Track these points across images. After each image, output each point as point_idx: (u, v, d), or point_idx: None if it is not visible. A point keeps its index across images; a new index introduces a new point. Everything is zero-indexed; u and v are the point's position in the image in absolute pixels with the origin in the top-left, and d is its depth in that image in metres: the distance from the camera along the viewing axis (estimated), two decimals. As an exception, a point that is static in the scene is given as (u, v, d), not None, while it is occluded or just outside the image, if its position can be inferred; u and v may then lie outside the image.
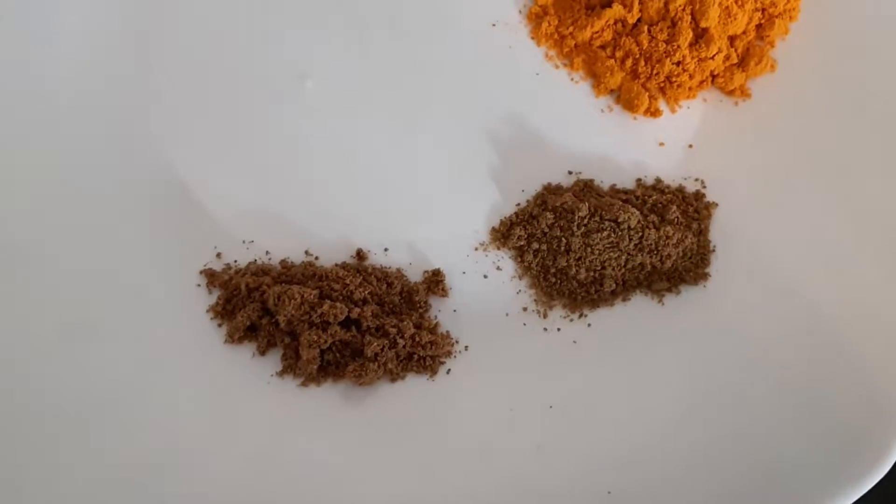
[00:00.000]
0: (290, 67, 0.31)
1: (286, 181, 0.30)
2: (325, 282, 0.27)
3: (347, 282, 0.27)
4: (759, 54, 0.31)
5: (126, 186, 0.29)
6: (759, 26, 0.32)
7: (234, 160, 0.30)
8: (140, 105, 0.30)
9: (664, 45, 0.31)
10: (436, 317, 0.28)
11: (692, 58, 0.31)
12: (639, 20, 0.31)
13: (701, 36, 0.31)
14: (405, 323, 0.27)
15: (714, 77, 0.32)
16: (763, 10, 0.32)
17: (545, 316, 0.29)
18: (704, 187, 0.30)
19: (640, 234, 0.28)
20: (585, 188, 0.30)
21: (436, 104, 0.31)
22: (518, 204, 0.30)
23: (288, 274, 0.28)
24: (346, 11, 0.32)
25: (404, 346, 0.27)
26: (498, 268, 0.29)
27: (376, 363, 0.26)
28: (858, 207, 0.29)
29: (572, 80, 0.32)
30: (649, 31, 0.31)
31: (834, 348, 0.27)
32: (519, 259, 0.29)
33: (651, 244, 0.28)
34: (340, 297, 0.27)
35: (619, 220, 0.28)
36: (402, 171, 0.30)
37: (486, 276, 0.29)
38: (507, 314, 0.28)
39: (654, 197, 0.29)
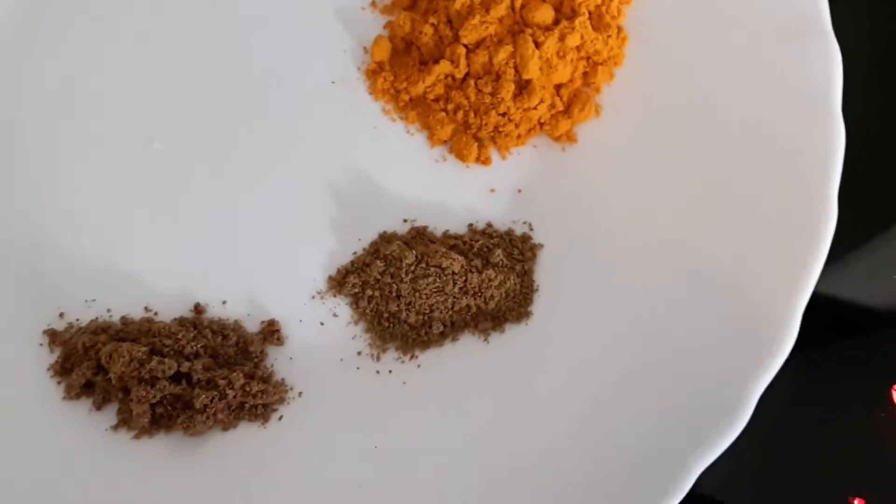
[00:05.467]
0: (136, 128, 0.33)
1: (126, 238, 0.31)
2: (158, 338, 0.28)
3: (179, 337, 0.28)
4: (582, 101, 0.33)
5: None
6: (585, 74, 0.34)
7: (76, 219, 0.31)
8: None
9: (490, 98, 0.33)
10: (272, 365, 0.30)
11: (517, 108, 0.33)
12: (467, 74, 0.33)
13: (524, 87, 0.33)
14: (235, 374, 0.28)
15: (542, 125, 0.34)
16: (588, 58, 0.34)
17: (378, 359, 0.30)
18: (532, 230, 0.32)
19: (464, 278, 0.30)
20: (418, 235, 0.32)
21: (275, 159, 0.33)
22: (355, 252, 0.32)
23: (125, 331, 0.29)
24: (189, 73, 0.34)
25: (235, 397, 0.28)
26: (334, 314, 0.31)
27: (205, 414, 0.27)
28: (679, 248, 0.30)
29: (408, 132, 0.34)
30: (476, 84, 0.33)
31: (656, 377, 0.29)
32: (354, 306, 0.31)
33: (474, 287, 0.30)
34: (171, 353, 0.28)
35: (444, 266, 0.30)
36: (240, 224, 0.31)
37: (322, 324, 0.30)
38: (341, 359, 0.30)
39: (481, 242, 0.31)
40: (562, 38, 0.33)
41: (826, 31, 0.32)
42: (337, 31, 0.35)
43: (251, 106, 0.33)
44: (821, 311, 0.30)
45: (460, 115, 0.33)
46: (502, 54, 0.32)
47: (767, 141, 0.31)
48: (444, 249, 0.30)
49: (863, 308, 0.33)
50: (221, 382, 0.28)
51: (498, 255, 0.31)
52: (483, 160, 0.33)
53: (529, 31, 0.33)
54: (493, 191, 0.33)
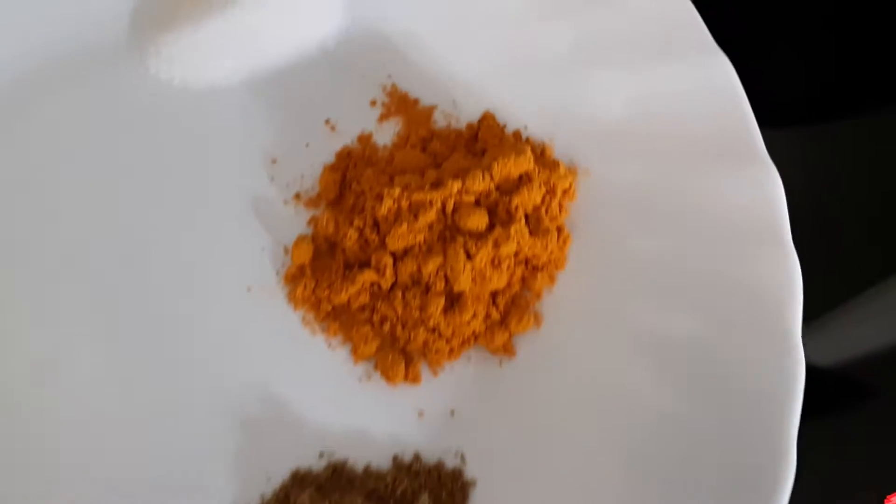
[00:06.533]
0: (14, 354, 0.29)
1: (25, 481, 0.27)
2: None
3: None
4: (520, 311, 0.30)
5: None
6: (523, 278, 0.31)
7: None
8: None
9: (418, 312, 0.30)
10: None
11: (447, 323, 0.30)
12: (395, 283, 0.31)
13: (456, 300, 0.30)
14: None
15: (477, 336, 0.31)
16: (526, 262, 0.31)
17: None
18: (464, 462, 0.29)
19: (383, 534, 0.27)
20: (335, 474, 0.28)
21: (173, 385, 0.29)
22: (262, 495, 0.28)
23: None
24: (77, 283, 0.30)
25: None
26: (236, 577, 0.27)
27: None
28: (629, 484, 0.27)
29: (329, 346, 0.30)
30: (403, 295, 0.30)
31: None
32: (258, 564, 0.27)
33: (394, 546, 0.27)
34: None
35: (358, 523, 0.27)
36: (126, 469, 0.28)
37: (220, 588, 0.27)
38: None
39: (405, 484, 0.28)
40: (496, 247, 0.30)
41: (785, 243, 0.30)
42: (255, 228, 0.31)
43: (150, 319, 0.30)
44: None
45: (387, 327, 0.30)
46: (431, 265, 0.29)
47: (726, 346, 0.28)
48: (360, 500, 0.27)
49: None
50: None
51: (424, 500, 0.27)
52: (412, 378, 0.30)
53: (461, 239, 0.30)
54: (421, 414, 0.30)
